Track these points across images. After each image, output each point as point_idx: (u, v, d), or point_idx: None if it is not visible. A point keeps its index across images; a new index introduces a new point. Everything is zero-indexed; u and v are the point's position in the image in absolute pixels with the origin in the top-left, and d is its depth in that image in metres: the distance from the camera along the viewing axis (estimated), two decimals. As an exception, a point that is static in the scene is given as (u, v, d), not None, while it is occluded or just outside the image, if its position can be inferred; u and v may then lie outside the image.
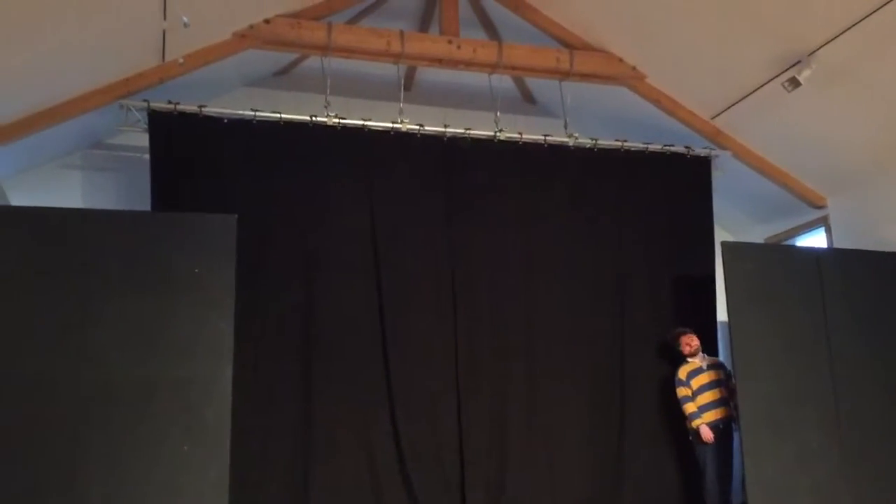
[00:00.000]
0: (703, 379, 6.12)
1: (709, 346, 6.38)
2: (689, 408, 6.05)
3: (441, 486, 5.79)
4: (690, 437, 6.16)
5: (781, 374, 5.79)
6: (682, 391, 6.14)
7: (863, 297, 6.11)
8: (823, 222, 7.14)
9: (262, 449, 5.50)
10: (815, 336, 5.94)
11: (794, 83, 5.74)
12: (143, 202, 5.77)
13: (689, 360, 6.20)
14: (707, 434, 5.93)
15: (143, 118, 5.85)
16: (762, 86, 6.16)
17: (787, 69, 5.84)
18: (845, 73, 5.74)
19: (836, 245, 6.86)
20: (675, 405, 6.29)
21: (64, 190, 6.34)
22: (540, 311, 6.29)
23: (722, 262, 5.97)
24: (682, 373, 6.17)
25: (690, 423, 6.04)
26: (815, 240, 7.34)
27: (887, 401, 5.92)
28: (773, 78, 6.01)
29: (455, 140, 6.35)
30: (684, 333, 6.26)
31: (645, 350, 6.44)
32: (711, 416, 6.01)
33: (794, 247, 7.40)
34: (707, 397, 6.07)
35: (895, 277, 6.20)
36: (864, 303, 6.10)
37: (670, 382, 6.31)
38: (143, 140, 5.89)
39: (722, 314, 6.26)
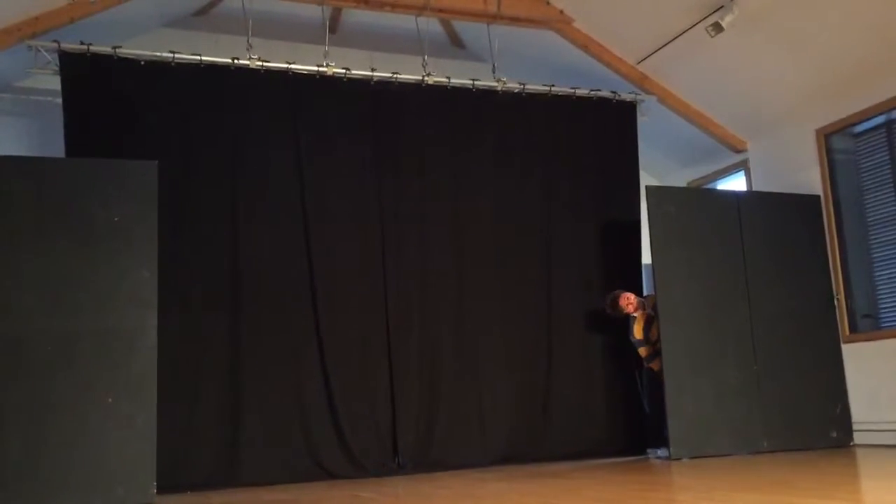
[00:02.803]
0: (657, 326, 6.17)
1: (634, 288, 6.52)
2: (657, 365, 6.08)
3: (372, 429, 5.84)
4: (642, 379, 6.31)
5: (702, 314, 6.00)
6: (643, 351, 6.20)
7: (780, 239, 6.35)
8: (744, 166, 7.34)
9: (191, 396, 5.43)
10: (735, 277, 6.16)
11: (717, 28, 5.83)
12: (56, 149, 5.53)
13: (635, 315, 6.25)
14: None
15: (53, 60, 5.58)
16: (686, 31, 6.23)
17: (711, 14, 5.91)
18: (767, 18, 5.84)
19: (755, 188, 7.07)
20: (602, 346, 6.48)
21: (-29, 136, 6.04)
22: (468, 255, 6.33)
23: (646, 206, 6.10)
24: (638, 331, 6.20)
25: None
26: (736, 183, 7.55)
27: (800, 339, 6.21)
28: (697, 23, 6.07)
29: (383, 84, 6.26)
30: (619, 295, 6.23)
31: (571, 292, 6.55)
32: None
33: (714, 190, 7.59)
34: None
35: (810, 219, 6.45)
36: (781, 244, 6.34)
37: (597, 324, 6.47)
38: (55, 83, 5.63)
39: (646, 257, 6.41)
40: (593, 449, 6.27)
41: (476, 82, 6.51)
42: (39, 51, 5.54)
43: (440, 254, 6.27)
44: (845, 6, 5.49)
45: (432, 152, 6.38)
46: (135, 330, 4.76)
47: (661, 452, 5.95)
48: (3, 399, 4.47)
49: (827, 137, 6.45)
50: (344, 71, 6.14)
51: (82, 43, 5.56)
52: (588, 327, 6.53)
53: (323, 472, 5.63)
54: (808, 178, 6.56)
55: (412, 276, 6.17)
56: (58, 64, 5.57)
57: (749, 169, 7.26)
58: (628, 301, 6.23)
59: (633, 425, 6.45)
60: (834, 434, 6.09)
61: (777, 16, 5.79)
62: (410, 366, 6.03)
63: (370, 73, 6.23)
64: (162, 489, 4.69)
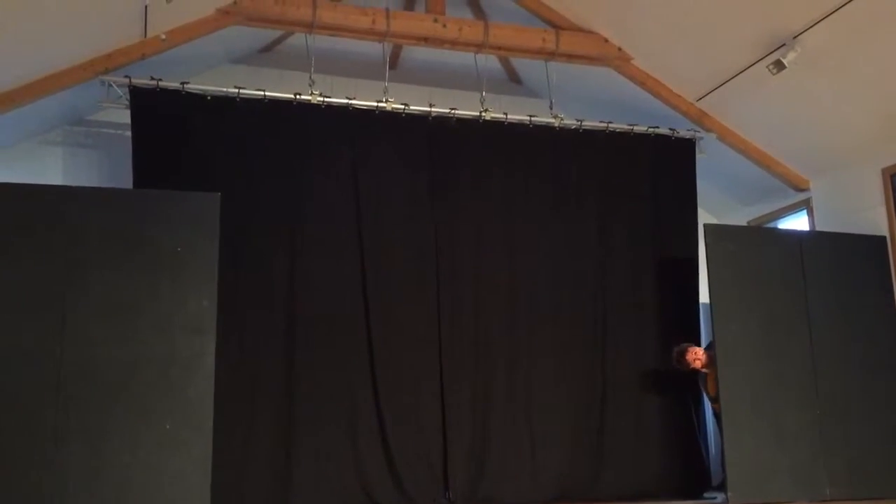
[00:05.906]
0: None
1: (691, 328, 6.41)
2: None
3: (423, 464, 5.82)
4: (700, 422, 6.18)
5: (762, 355, 5.84)
6: (717, 407, 6.01)
7: (844, 280, 6.17)
8: (806, 205, 7.18)
9: (245, 428, 5.49)
10: (796, 318, 6.00)
11: (779, 66, 5.75)
12: (125, 180, 5.70)
13: (706, 370, 6.08)
14: None
15: (124, 94, 5.78)
16: (747, 68, 6.17)
17: (773, 52, 5.84)
18: (830, 56, 5.75)
19: (819, 228, 6.90)
20: (658, 387, 6.35)
21: (45, 167, 6.25)
22: (522, 292, 6.29)
23: (704, 245, 6.01)
24: (711, 388, 6.04)
25: None
26: (798, 222, 7.38)
27: (866, 383, 5.99)
28: (758, 60, 6.01)
29: (440, 120, 6.33)
30: (687, 349, 6.05)
31: (626, 331, 6.46)
32: None
33: (776, 229, 7.43)
34: None
35: (876, 260, 6.26)
36: (844, 285, 6.16)
37: (653, 364, 6.36)
38: (125, 117, 5.83)
39: (704, 296, 6.30)
40: (648, 490, 6.12)
41: (533, 118, 6.53)
42: (111, 85, 5.74)
43: (494, 291, 6.25)
44: (912, 44, 5.39)
45: (488, 188, 6.39)
46: (193, 358, 4.83)
47: (719, 497, 5.79)
48: (65, 424, 4.57)
49: (893, 177, 6.28)
50: (402, 106, 6.22)
51: (152, 78, 5.75)
52: (643, 367, 6.42)
53: (374, 506, 5.62)
54: (874, 218, 6.38)
55: (466, 313, 6.16)
56: (128, 98, 5.77)
57: (812, 208, 7.11)
58: (695, 356, 6.04)
59: (689, 467, 6.30)
60: (902, 484, 5.86)
61: (841, 53, 5.70)
62: (463, 401, 5.99)
63: (428, 109, 6.30)
64: (215, 517, 4.73)
